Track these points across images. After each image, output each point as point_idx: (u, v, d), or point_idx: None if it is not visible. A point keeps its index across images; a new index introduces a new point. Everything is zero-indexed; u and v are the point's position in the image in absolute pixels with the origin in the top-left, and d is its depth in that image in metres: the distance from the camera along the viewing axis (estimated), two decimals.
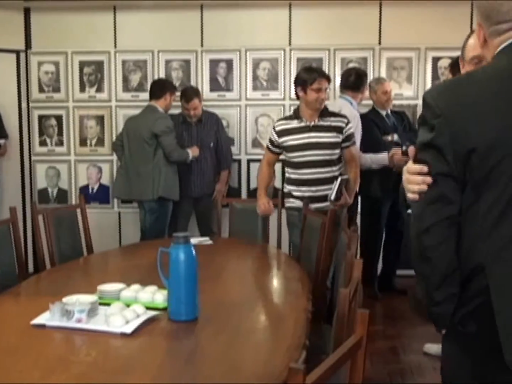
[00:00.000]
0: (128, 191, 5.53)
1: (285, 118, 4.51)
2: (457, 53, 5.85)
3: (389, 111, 5.52)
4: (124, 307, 2.48)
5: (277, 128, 4.38)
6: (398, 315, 4.91)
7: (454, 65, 3.98)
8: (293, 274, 3.44)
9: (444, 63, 6.10)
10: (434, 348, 4.29)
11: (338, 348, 1.64)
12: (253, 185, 6.27)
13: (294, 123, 4.32)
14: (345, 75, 5.27)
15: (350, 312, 1.99)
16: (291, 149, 4.31)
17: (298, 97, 4.38)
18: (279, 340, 2.33)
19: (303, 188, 4.25)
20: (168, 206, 5.42)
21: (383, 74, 6.07)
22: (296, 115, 4.35)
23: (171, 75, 6.19)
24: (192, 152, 5.43)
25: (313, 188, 4.21)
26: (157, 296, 2.64)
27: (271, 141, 4.47)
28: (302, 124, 4.28)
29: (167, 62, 6.27)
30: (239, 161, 6.28)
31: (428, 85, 6.15)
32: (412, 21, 6.08)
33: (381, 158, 5.00)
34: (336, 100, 5.40)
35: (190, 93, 5.63)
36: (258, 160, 6.23)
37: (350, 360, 1.66)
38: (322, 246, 3.60)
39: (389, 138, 5.27)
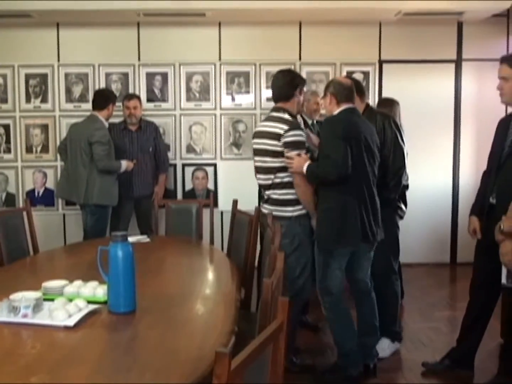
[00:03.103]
0: (68, 193, 5.47)
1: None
2: (368, 68, 6.06)
3: (314, 121, 5.57)
4: (67, 302, 2.43)
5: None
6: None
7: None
8: (224, 267, 3.45)
9: (357, 76, 6.21)
10: None
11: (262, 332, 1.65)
12: (187, 187, 6.28)
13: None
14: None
15: (272, 300, 2.01)
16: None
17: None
18: (211, 327, 2.34)
19: None
20: (108, 209, 5.35)
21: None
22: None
23: (111, 87, 6.11)
24: (127, 165, 5.38)
25: None
26: (97, 290, 2.59)
27: (304, 144, 3.68)
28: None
29: (107, 75, 6.20)
30: (174, 165, 6.27)
31: None
32: (328, 40, 6.22)
33: None
34: None
35: (131, 94, 5.82)
36: (192, 165, 6.28)
37: (272, 343, 1.67)
38: (250, 241, 3.62)
39: None
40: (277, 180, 3.67)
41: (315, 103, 5.46)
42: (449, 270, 6.44)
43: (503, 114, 3.72)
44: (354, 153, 3.42)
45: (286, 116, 3.65)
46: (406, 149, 4.02)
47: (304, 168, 3.51)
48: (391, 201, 3.99)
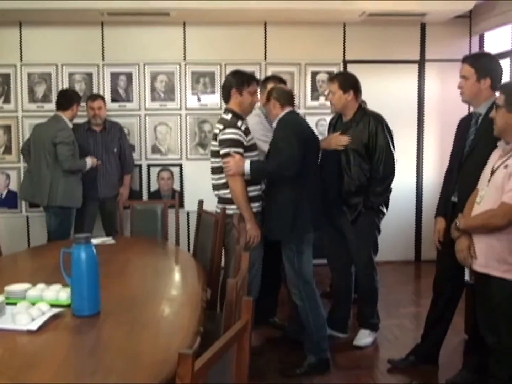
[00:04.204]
0: (31, 194, 5.41)
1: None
2: (332, 68, 6.11)
3: None
4: (30, 306, 2.40)
5: (243, 127, 3.73)
6: (286, 302, 4.97)
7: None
8: (190, 267, 3.44)
9: (322, 77, 6.29)
10: None
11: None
12: (153, 187, 6.25)
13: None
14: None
15: (237, 300, 2.01)
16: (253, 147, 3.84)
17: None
18: (176, 328, 2.34)
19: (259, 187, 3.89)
20: (72, 211, 5.30)
21: (269, 86, 6.15)
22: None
23: (75, 87, 6.04)
24: (91, 161, 5.34)
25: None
26: (61, 294, 2.57)
27: (239, 143, 3.68)
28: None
29: (71, 75, 6.13)
30: (139, 166, 6.23)
31: (308, 95, 6.31)
32: (293, 40, 6.25)
33: None
34: None
35: (96, 95, 5.79)
36: (157, 165, 6.24)
37: (237, 343, 1.68)
38: (216, 242, 3.62)
39: None
40: (222, 181, 3.75)
41: None
42: (414, 267, 6.53)
43: (465, 114, 3.79)
44: (307, 149, 3.70)
45: (229, 116, 3.72)
46: (395, 155, 4.06)
47: (247, 167, 3.60)
48: (375, 205, 4.05)
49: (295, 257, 3.74)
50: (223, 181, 3.72)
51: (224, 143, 3.65)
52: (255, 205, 3.75)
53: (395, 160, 4.04)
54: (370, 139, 3.96)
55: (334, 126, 4.25)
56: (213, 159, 3.78)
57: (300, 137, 3.66)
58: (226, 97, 3.80)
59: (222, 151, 3.64)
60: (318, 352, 3.78)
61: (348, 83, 4.06)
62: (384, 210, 4.14)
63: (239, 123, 3.70)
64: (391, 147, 4.01)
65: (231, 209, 3.70)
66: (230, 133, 3.64)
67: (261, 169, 3.68)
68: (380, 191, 4.01)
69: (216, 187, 3.81)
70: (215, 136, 3.74)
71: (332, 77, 4.23)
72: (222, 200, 3.78)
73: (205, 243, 3.82)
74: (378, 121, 4.02)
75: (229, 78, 3.82)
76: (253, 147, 3.77)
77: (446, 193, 3.62)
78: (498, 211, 2.85)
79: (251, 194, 3.72)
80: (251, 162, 3.62)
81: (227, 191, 3.72)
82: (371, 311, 4.28)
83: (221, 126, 3.69)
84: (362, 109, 4.09)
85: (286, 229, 3.68)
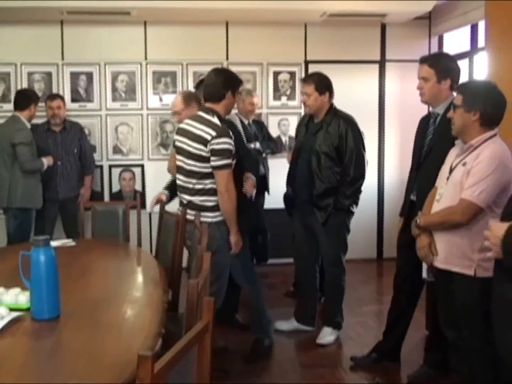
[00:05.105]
0: None
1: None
2: (294, 69, 6.12)
3: (250, 121, 5.48)
4: None
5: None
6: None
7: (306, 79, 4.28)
8: (151, 269, 3.40)
9: (283, 77, 6.33)
10: (284, 325, 4.44)
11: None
12: (115, 188, 6.19)
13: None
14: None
15: (199, 300, 2.01)
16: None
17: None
18: (138, 330, 2.32)
19: None
20: (31, 212, 5.25)
21: None
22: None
23: (34, 87, 5.95)
24: (47, 161, 5.28)
25: None
26: (20, 297, 2.51)
27: (232, 152, 3.52)
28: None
29: (30, 74, 6.05)
30: (101, 166, 6.17)
31: (271, 95, 6.33)
32: (255, 40, 6.27)
33: None
34: None
35: (54, 94, 5.75)
36: (119, 166, 6.19)
37: (198, 344, 1.68)
38: (177, 242, 3.60)
39: (252, 145, 5.12)
40: (199, 186, 3.54)
41: (250, 104, 5.40)
42: (376, 265, 6.61)
43: (425, 113, 3.85)
44: None
45: (215, 120, 3.48)
46: (366, 157, 4.10)
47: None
48: (345, 207, 4.09)
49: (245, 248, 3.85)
50: (200, 186, 3.53)
51: (219, 153, 3.42)
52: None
53: (366, 162, 4.08)
54: (340, 142, 3.99)
55: (306, 126, 4.26)
56: (190, 161, 3.51)
57: None
58: (212, 96, 3.53)
59: (220, 162, 3.43)
60: (267, 332, 4.12)
61: (324, 84, 4.09)
62: (354, 209, 4.17)
63: (230, 131, 3.53)
64: (362, 149, 4.05)
65: (204, 216, 3.50)
66: (227, 143, 3.44)
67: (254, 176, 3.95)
68: (349, 193, 4.05)
69: (188, 191, 3.59)
70: (203, 141, 3.44)
71: (306, 79, 4.22)
72: (195, 207, 3.56)
73: (166, 244, 3.79)
74: (348, 123, 4.05)
75: (221, 79, 3.54)
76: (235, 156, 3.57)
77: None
78: (457, 207, 2.90)
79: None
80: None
81: (204, 198, 3.54)
82: (336, 310, 4.33)
83: (213, 133, 3.42)
84: (332, 110, 4.10)
85: (251, 223, 3.93)
